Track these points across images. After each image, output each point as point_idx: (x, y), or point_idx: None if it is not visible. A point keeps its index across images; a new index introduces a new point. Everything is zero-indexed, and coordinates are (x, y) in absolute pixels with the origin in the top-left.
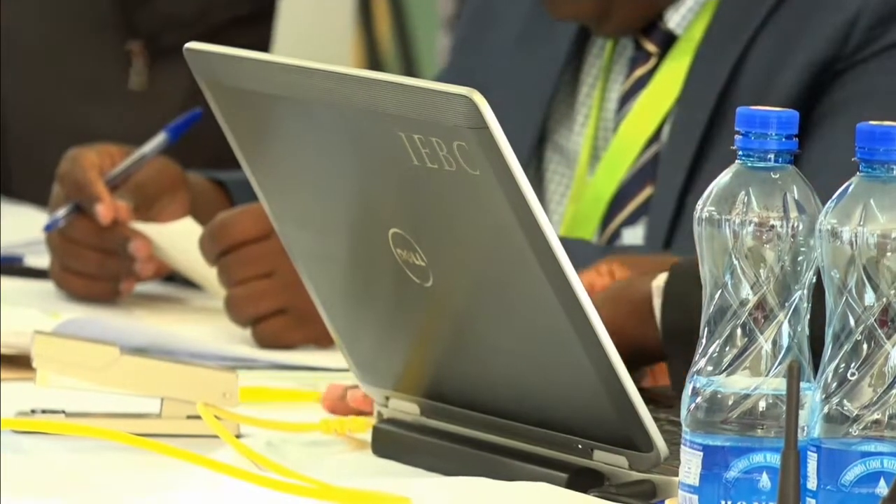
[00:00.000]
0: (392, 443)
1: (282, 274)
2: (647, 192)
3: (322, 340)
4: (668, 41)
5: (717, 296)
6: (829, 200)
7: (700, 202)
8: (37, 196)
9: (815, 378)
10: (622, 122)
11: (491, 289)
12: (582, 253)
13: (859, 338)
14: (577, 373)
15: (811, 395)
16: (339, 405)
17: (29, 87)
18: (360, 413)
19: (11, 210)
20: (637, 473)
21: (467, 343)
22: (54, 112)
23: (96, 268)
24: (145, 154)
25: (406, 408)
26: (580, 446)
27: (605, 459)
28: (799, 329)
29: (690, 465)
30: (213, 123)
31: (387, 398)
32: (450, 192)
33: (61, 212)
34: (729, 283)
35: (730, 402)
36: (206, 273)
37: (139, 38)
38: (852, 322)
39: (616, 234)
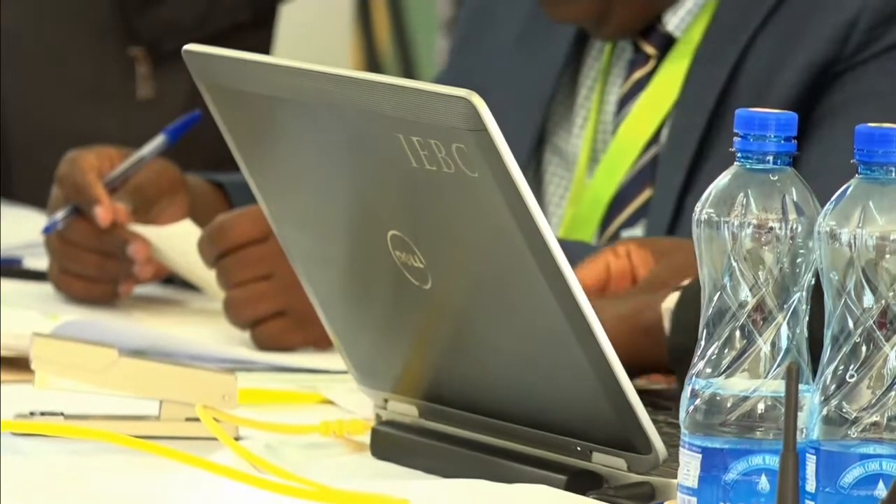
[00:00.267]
0: (391, 445)
1: (280, 276)
2: (647, 194)
3: (321, 342)
4: (666, 43)
5: (715, 298)
6: (828, 202)
7: (699, 204)
8: (35, 199)
9: (813, 380)
10: (621, 124)
11: (490, 291)
12: (581, 255)
13: (858, 340)
14: (575, 375)
15: (810, 397)
16: None
17: (29, 90)
18: None
19: (10, 212)
20: (636, 475)
21: (466, 345)
22: (54, 116)
23: (95, 270)
24: (144, 156)
25: (405, 410)
26: (579, 448)
27: (604, 461)
28: (798, 331)
29: (689, 467)
30: (212, 125)
31: (385, 400)
32: (448, 195)
33: (60, 214)
34: (728, 285)
35: (728, 405)
36: (205, 275)
37: (140, 44)
38: (851, 324)
39: (615, 236)
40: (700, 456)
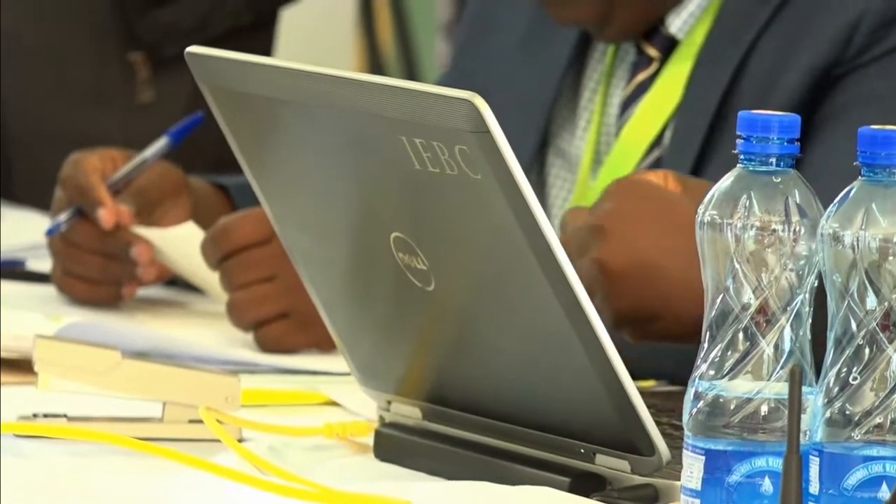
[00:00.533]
0: (394, 447)
1: (284, 278)
2: None
3: (324, 344)
4: (669, 46)
5: (718, 300)
6: (831, 204)
7: (702, 206)
8: (35, 200)
9: (816, 382)
10: (624, 126)
11: (492, 293)
12: None
13: (861, 342)
14: (578, 376)
15: (813, 399)
16: None
17: (29, 93)
18: None
19: (13, 214)
20: (639, 477)
21: (469, 347)
22: (54, 118)
23: (98, 272)
24: (147, 158)
25: (408, 412)
26: (582, 450)
27: (607, 463)
28: (801, 333)
29: (692, 469)
30: (214, 128)
31: (388, 402)
32: (451, 196)
33: (63, 216)
34: (731, 287)
35: (732, 407)
36: (209, 277)
37: (141, 47)
38: (854, 326)
39: None
40: (703, 458)
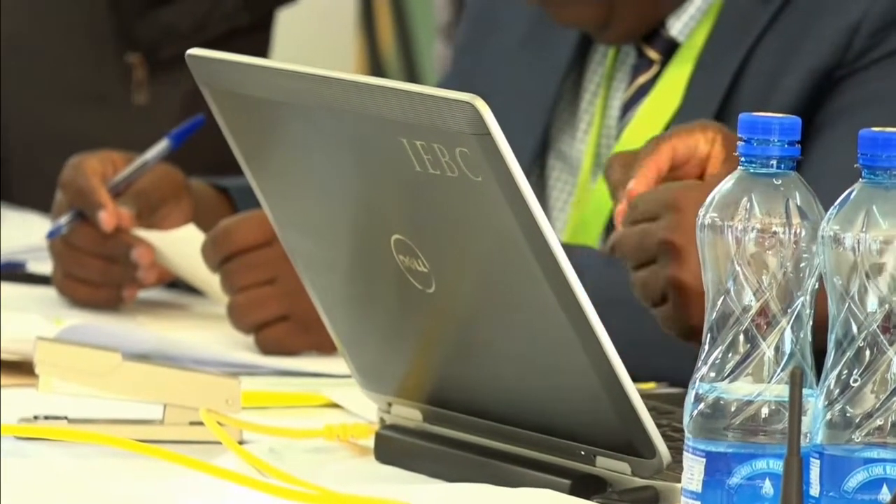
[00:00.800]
0: (395, 449)
1: (284, 280)
2: None
3: (325, 347)
4: (670, 48)
5: (719, 302)
6: (832, 207)
7: (703, 208)
8: (32, 202)
9: (817, 384)
10: (625, 129)
11: (493, 295)
12: (585, 260)
13: (862, 344)
14: (579, 378)
15: (814, 401)
16: None
17: (28, 94)
18: None
19: (14, 216)
20: (640, 480)
21: (470, 349)
22: (52, 120)
23: (99, 275)
24: (148, 161)
25: (409, 414)
26: (583, 452)
27: (608, 466)
28: (801, 335)
29: (693, 471)
30: (212, 130)
31: (389, 404)
32: (452, 199)
33: (64, 219)
34: (731, 289)
35: (732, 409)
36: (209, 280)
37: (138, 50)
38: (855, 329)
39: None
40: (704, 460)
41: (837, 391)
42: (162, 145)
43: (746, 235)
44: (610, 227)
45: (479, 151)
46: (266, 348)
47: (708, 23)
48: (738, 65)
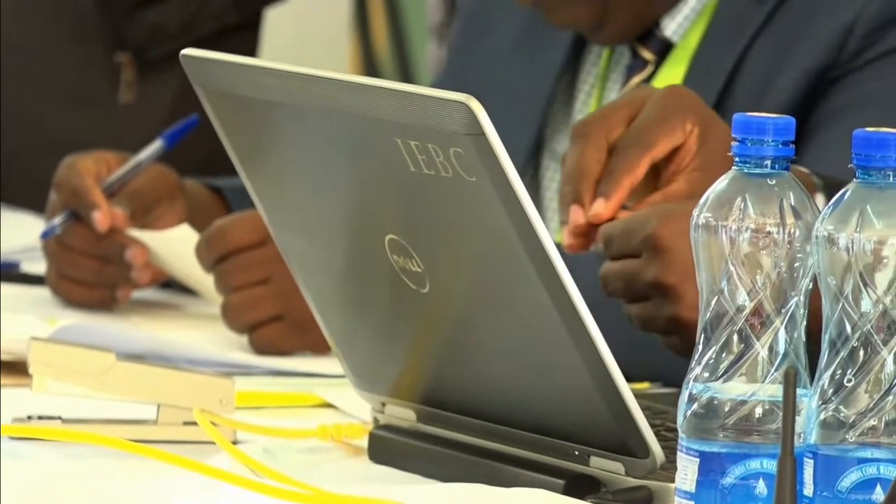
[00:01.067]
0: (388, 449)
1: (278, 280)
2: None
3: (319, 347)
4: (664, 49)
5: (713, 302)
6: (826, 207)
7: (697, 208)
8: (21, 202)
9: (811, 384)
10: None
11: (487, 295)
12: (579, 260)
13: (856, 344)
14: (573, 379)
15: (808, 401)
16: None
17: (17, 94)
18: None
19: (8, 216)
20: (633, 480)
21: (464, 349)
22: (42, 120)
23: (93, 275)
24: (142, 161)
25: (402, 414)
26: (577, 452)
27: (602, 466)
28: (795, 335)
29: (687, 471)
30: (200, 129)
31: (383, 404)
32: (446, 199)
33: (58, 219)
34: (725, 289)
35: (726, 409)
36: (203, 280)
37: (127, 49)
38: (849, 328)
39: None
40: (698, 460)
41: (831, 391)
42: (156, 145)
43: (740, 235)
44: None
45: (473, 152)
46: (260, 348)
47: (702, 23)
48: (733, 65)
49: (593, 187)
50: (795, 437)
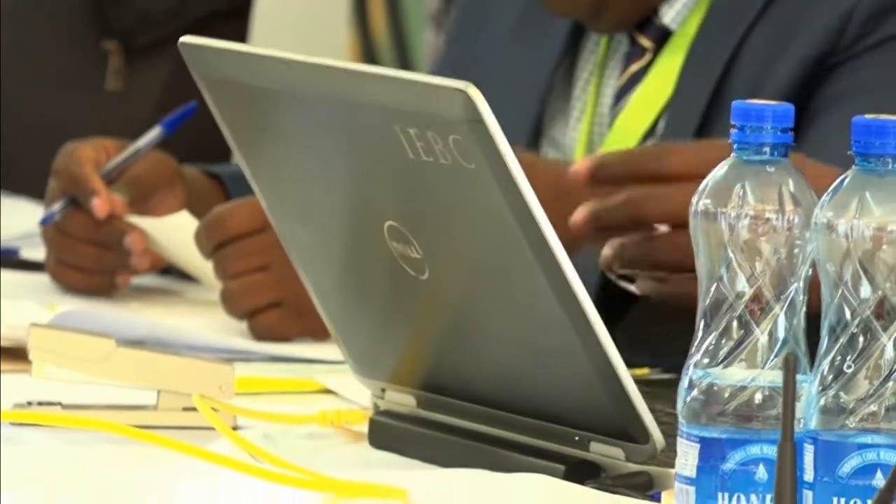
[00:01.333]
0: (388, 435)
1: (277, 267)
2: None
3: (318, 333)
4: (663, 36)
5: (712, 289)
6: (825, 194)
7: (696, 195)
8: (14, 188)
9: (811, 370)
10: (618, 116)
11: (487, 281)
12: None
13: (855, 330)
14: (573, 364)
15: (807, 387)
16: None
17: (6, 82)
18: None
19: (7, 203)
20: (634, 465)
21: (463, 335)
22: (31, 107)
23: (92, 262)
24: (141, 148)
25: (402, 400)
26: (577, 438)
27: (602, 451)
28: (795, 322)
29: (687, 456)
30: (196, 115)
31: (383, 390)
32: (445, 186)
33: (57, 206)
34: (725, 276)
35: (726, 395)
36: (203, 266)
37: (114, 36)
38: (848, 315)
39: None
40: (698, 446)
41: (831, 377)
42: (155, 132)
43: (740, 222)
44: None
45: (472, 139)
46: (259, 334)
47: (701, 11)
48: (731, 52)
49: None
50: (795, 422)
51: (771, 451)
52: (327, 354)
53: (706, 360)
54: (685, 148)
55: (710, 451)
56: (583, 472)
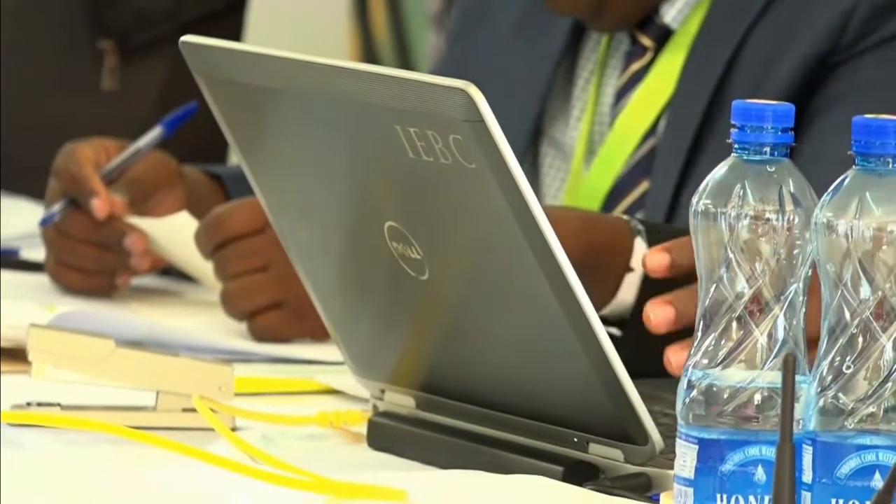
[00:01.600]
0: (387, 436)
1: (277, 268)
2: (643, 186)
3: (318, 334)
4: (663, 35)
5: (712, 289)
6: (825, 194)
7: (696, 195)
8: (10, 188)
9: (810, 371)
10: (618, 116)
11: (487, 282)
12: None
13: (855, 331)
14: (572, 365)
15: (806, 388)
16: None
17: (4, 82)
18: None
19: (7, 203)
20: (632, 466)
21: (463, 336)
22: (29, 107)
23: (92, 262)
24: (141, 148)
25: (401, 401)
26: (576, 439)
27: (601, 452)
28: (794, 322)
29: (686, 458)
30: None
31: (382, 391)
32: (445, 186)
33: (57, 206)
34: (724, 276)
35: (725, 396)
36: (202, 267)
37: (110, 36)
38: (848, 315)
39: None
40: (697, 447)
41: (830, 378)
42: (155, 132)
43: (739, 222)
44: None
45: (472, 138)
46: (259, 335)
47: (701, 10)
48: (732, 52)
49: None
50: (794, 423)
51: (770, 452)
52: (327, 355)
53: (705, 361)
54: None
55: (709, 453)
56: (581, 474)
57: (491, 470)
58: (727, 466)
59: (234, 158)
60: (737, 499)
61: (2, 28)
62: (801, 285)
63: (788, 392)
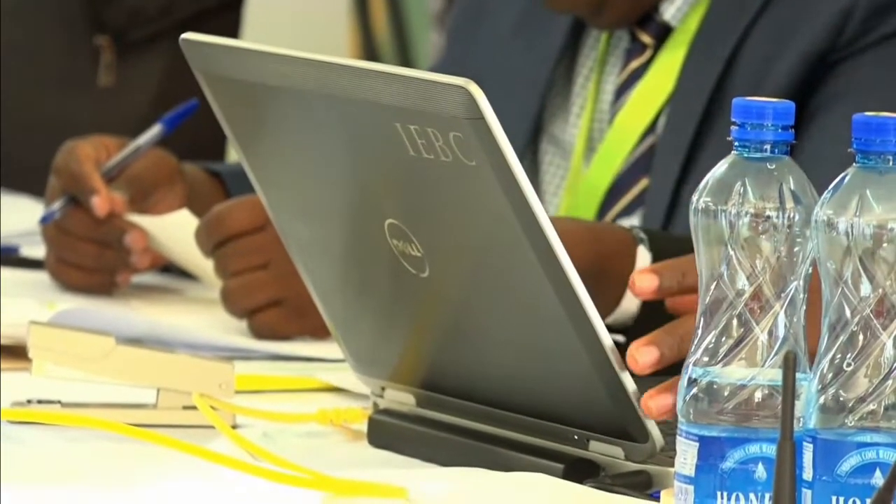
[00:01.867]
0: (388, 433)
1: (278, 265)
2: (643, 183)
3: (318, 331)
4: (663, 33)
5: (713, 286)
6: (825, 191)
7: (696, 193)
8: (15, 186)
9: (810, 369)
10: (618, 113)
11: (487, 279)
12: None
13: (855, 328)
14: (573, 363)
15: (807, 385)
16: None
17: (2, 79)
18: None
19: (7, 200)
20: (633, 464)
21: (463, 334)
22: (27, 104)
23: (92, 260)
24: (141, 146)
25: (402, 398)
26: (576, 437)
27: (601, 450)
28: (795, 320)
29: (686, 455)
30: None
31: (383, 388)
32: (446, 183)
33: (57, 204)
34: (725, 273)
35: (726, 393)
36: (203, 264)
37: (106, 32)
38: (848, 313)
39: None
40: (697, 444)
41: (831, 375)
42: (155, 130)
43: (740, 220)
44: (602, 211)
45: (472, 136)
46: (259, 333)
47: (701, 7)
48: (732, 49)
49: None
50: (795, 421)
51: (770, 449)
52: (327, 353)
53: (706, 359)
54: None
55: (710, 450)
56: (582, 471)
57: (491, 467)
58: (728, 464)
59: (234, 156)
60: (737, 496)
61: (1, 28)
62: (801, 283)
63: (789, 389)
